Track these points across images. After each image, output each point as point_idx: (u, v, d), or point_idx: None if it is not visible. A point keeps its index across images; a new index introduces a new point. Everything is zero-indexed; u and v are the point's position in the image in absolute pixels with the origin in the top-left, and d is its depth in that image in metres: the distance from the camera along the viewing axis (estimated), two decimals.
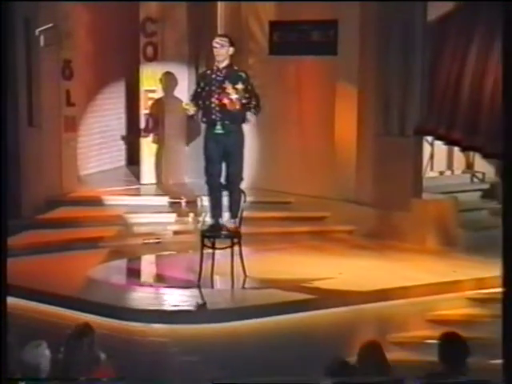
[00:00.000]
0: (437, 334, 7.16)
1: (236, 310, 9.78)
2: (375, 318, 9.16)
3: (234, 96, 9.86)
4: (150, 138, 14.17)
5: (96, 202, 13.12)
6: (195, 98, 10.29)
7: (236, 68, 10.33)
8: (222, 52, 10.06)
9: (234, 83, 9.96)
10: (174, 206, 13.13)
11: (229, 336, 9.18)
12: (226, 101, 9.87)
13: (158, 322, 9.32)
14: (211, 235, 10.27)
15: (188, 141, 14.24)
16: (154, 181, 14.19)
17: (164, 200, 13.26)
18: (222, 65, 10.10)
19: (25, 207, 12.00)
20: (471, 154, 13.56)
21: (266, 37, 13.27)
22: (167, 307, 10.06)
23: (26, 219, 11.92)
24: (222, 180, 10.31)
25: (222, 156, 10.15)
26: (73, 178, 13.32)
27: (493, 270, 10.38)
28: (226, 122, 9.98)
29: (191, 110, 10.42)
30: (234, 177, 10.27)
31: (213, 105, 10.02)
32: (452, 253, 11.55)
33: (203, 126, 12.37)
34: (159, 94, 14.08)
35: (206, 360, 8.43)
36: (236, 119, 10.05)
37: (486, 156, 12.59)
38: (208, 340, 9.07)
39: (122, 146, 15.48)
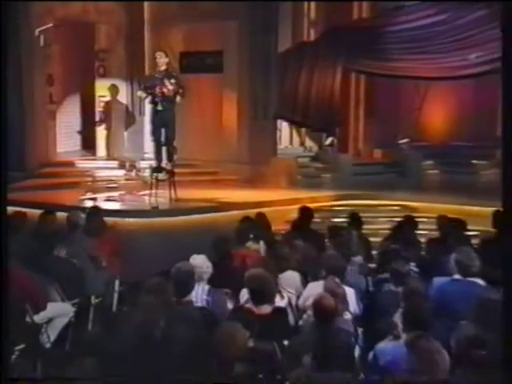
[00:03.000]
0: (288, 227, 8.65)
1: (174, 211, 10.68)
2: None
3: (170, 87, 10.69)
4: (102, 127, 14.49)
5: (71, 164, 13.74)
6: (146, 88, 10.97)
7: (170, 70, 11.12)
8: (161, 61, 10.94)
9: (169, 79, 10.77)
10: (121, 167, 13.61)
11: (170, 225, 10.17)
12: (164, 90, 10.69)
13: (128, 217, 10.17)
14: (156, 172, 11.02)
15: (127, 129, 14.48)
16: (104, 154, 14.50)
17: (114, 163, 13.83)
18: (162, 68, 10.93)
19: (27, 166, 12.49)
20: (303, 134, 14.62)
21: (178, 62, 13.51)
22: (133, 209, 10.84)
23: (28, 172, 12.40)
24: (162, 139, 11.01)
25: (162, 124, 10.91)
26: (54, 149, 13.67)
27: (318, 192, 12.02)
28: (164, 103, 10.75)
29: (143, 96, 11.15)
30: (169, 137, 11.03)
31: (156, 92, 10.76)
32: (294, 188, 12.54)
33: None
34: (108, 99, 14.40)
35: (158, 239, 9.38)
36: (170, 101, 10.80)
37: (314, 130, 14.09)
38: (158, 227, 10.04)
39: (77, 135, 15.10)
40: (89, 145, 14.87)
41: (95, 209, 8.56)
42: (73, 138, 14.83)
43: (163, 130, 10.97)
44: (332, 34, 13.35)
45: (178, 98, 10.81)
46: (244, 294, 5.44)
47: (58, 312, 6.50)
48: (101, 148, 14.51)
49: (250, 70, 13.38)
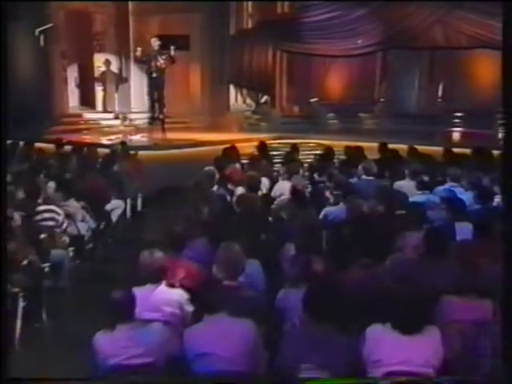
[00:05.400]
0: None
1: (168, 146, 11.46)
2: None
3: (161, 61, 11.56)
4: (100, 88, 14.65)
5: (80, 115, 14.16)
6: (144, 62, 11.79)
7: (162, 50, 11.70)
8: (155, 44, 11.69)
9: (161, 55, 11.61)
10: (115, 118, 14.05)
11: (166, 156, 10.96)
12: (158, 63, 11.55)
13: (138, 150, 10.08)
14: (152, 119, 12.03)
15: (117, 90, 14.47)
16: (101, 109, 14.72)
17: (110, 115, 14.22)
18: (155, 49, 11.66)
19: (52, 115, 13.10)
20: (245, 94, 14.91)
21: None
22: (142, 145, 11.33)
23: (53, 120, 13.01)
24: (155, 98, 11.87)
25: (155, 87, 11.79)
26: (67, 105, 14.06)
27: (259, 135, 12.11)
28: (158, 72, 11.63)
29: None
30: (161, 96, 11.91)
31: (152, 65, 11.62)
32: (242, 132, 13.33)
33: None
34: (103, 69, 14.52)
35: (160, 165, 9.94)
36: (162, 71, 11.63)
37: (255, 91, 14.67)
38: (159, 158, 10.59)
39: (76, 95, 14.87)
40: (85, 102, 14.94)
41: (124, 143, 9.67)
42: (76, 96, 14.86)
43: (156, 92, 11.73)
44: (264, 24, 14.11)
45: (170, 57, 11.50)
46: (238, 191, 7.02)
47: (116, 205, 7.81)
48: (99, 105, 14.79)
49: (210, 48, 14.01)
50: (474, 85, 14.03)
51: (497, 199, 5.91)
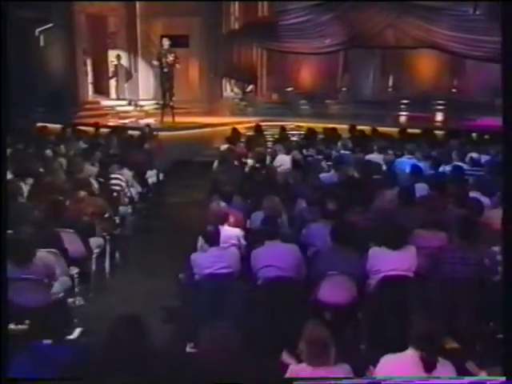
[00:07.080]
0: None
1: (178, 128, 11.76)
2: (225, 132, 9.85)
3: (170, 58, 11.85)
4: (114, 79, 14.94)
5: (97, 102, 14.50)
6: (157, 59, 12.01)
7: (171, 49, 12.04)
8: (166, 43, 11.95)
9: (170, 53, 11.88)
10: (128, 105, 14.43)
11: (178, 136, 11.30)
12: (168, 60, 11.83)
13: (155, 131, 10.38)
14: (164, 105, 12.20)
15: (127, 81, 14.96)
16: (115, 96, 15.00)
17: (124, 102, 14.55)
18: (166, 47, 11.95)
19: (77, 103, 13.46)
20: (232, 84, 15.37)
21: (159, 40, 13.05)
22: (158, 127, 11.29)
23: (78, 107, 13.42)
24: (166, 88, 12.11)
25: (166, 80, 12.04)
26: (88, 93, 14.37)
27: (248, 118, 12.69)
28: (168, 67, 11.86)
29: (156, 63, 12.07)
30: (170, 87, 12.15)
31: (162, 61, 11.89)
32: (234, 116, 13.58)
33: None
34: (116, 63, 14.82)
35: (176, 142, 10.41)
36: (172, 67, 11.93)
37: (242, 81, 15.05)
38: (175, 138, 10.96)
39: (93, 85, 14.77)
40: (100, 91, 15.09)
41: (148, 125, 10.30)
42: (93, 86, 14.89)
43: (167, 83, 12.12)
44: (249, 25, 14.54)
45: (177, 66, 11.99)
46: (249, 163, 7.88)
47: (150, 175, 8.56)
48: (113, 93, 15.11)
49: (206, 46, 14.43)
50: (417, 77, 14.94)
51: (444, 166, 7.01)
